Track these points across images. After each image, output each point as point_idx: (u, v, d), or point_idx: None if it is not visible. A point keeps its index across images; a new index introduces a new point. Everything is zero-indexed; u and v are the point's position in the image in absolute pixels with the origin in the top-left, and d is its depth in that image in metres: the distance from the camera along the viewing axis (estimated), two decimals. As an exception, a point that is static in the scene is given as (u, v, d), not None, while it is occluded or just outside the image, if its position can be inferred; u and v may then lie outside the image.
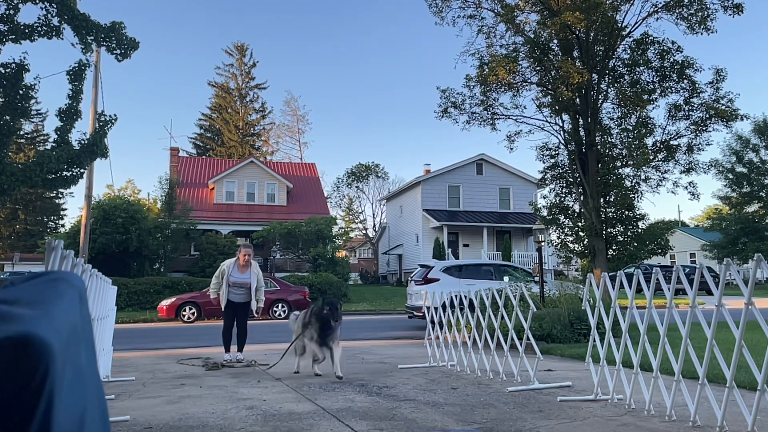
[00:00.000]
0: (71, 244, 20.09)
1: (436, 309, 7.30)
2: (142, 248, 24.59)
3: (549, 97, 16.11)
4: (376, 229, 46.05)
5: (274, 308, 18.80)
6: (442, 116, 16.83)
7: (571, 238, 16.31)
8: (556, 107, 15.83)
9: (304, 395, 4.87)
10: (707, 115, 15.21)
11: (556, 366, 6.37)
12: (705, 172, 16.01)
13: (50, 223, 51.36)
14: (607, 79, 15.96)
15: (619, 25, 15.63)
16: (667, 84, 15.48)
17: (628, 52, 15.89)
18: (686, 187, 16.00)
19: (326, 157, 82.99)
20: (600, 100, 16.02)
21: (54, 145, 15.22)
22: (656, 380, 3.90)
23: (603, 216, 15.58)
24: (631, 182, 15.85)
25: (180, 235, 26.84)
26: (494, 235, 33.51)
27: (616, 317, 4.55)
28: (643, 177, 15.79)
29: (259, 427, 3.74)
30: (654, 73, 15.56)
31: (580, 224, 15.84)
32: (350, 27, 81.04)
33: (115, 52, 15.70)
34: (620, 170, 15.80)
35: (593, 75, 15.50)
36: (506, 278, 14.78)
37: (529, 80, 16.46)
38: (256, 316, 8.33)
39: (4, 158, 14.60)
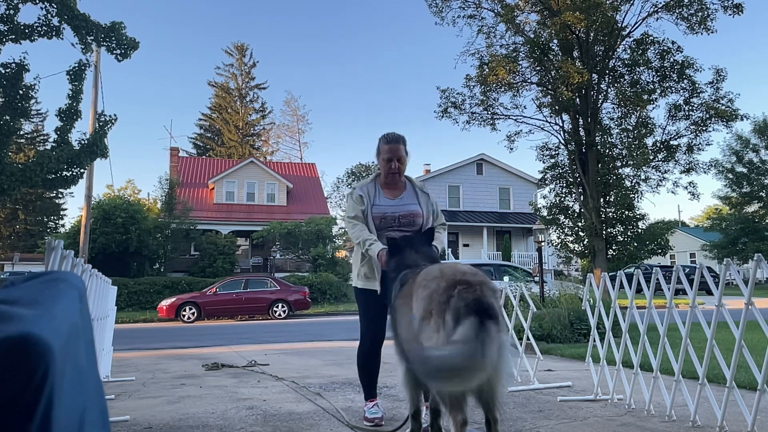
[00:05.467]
0: (71, 244, 20.09)
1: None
2: (142, 248, 24.60)
3: (549, 97, 16.12)
4: (376, 229, 46.05)
5: (274, 308, 18.84)
6: (442, 116, 16.84)
7: (571, 238, 16.32)
8: (556, 107, 15.84)
9: (305, 395, 4.87)
10: (707, 115, 15.22)
11: (556, 366, 6.37)
12: (705, 172, 16.04)
13: (50, 223, 51.35)
14: (607, 79, 15.97)
15: (619, 25, 15.64)
16: (667, 84, 15.49)
17: (628, 52, 15.90)
18: (686, 187, 16.03)
19: (326, 157, 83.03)
20: (600, 100, 16.03)
21: (54, 145, 15.23)
22: (656, 380, 3.90)
23: (603, 216, 15.58)
24: (631, 182, 15.86)
25: (180, 235, 26.84)
26: (494, 235, 33.51)
27: (616, 317, 4.55)
28: (643, 177, 15.81)
29: (259, 427, 3.74)
30: (654, 73, 15.56)
31: (580, 224, 15.84)
32: (350, 27, 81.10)
33: (115, 52, 15.72)
34: (620, 170, 15.82)
35: (593, 75, 15.51)
36: (506, 278, 14.79)
37: (529, 80, 16.47)
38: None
39: (4, 158, 14.60)
